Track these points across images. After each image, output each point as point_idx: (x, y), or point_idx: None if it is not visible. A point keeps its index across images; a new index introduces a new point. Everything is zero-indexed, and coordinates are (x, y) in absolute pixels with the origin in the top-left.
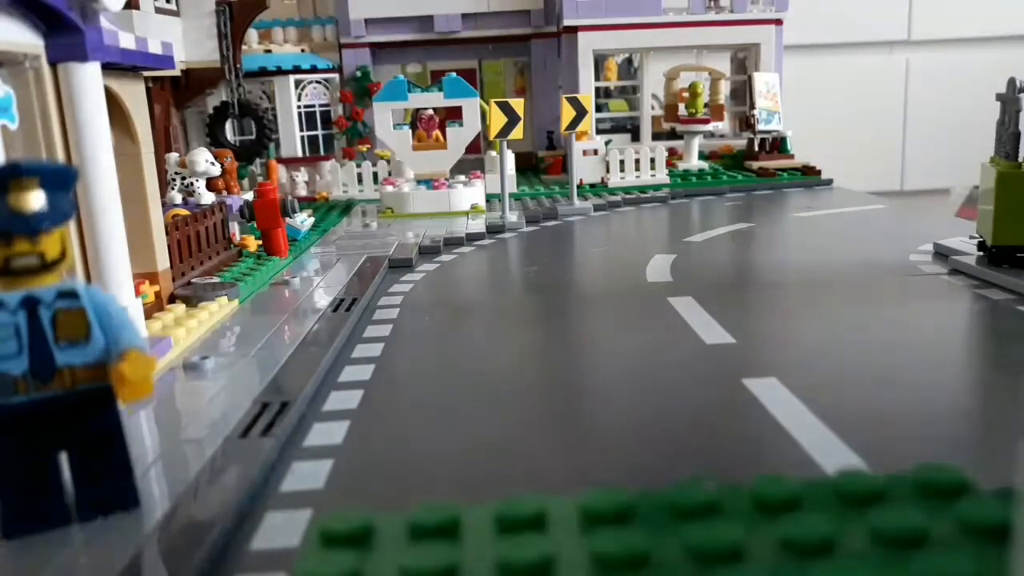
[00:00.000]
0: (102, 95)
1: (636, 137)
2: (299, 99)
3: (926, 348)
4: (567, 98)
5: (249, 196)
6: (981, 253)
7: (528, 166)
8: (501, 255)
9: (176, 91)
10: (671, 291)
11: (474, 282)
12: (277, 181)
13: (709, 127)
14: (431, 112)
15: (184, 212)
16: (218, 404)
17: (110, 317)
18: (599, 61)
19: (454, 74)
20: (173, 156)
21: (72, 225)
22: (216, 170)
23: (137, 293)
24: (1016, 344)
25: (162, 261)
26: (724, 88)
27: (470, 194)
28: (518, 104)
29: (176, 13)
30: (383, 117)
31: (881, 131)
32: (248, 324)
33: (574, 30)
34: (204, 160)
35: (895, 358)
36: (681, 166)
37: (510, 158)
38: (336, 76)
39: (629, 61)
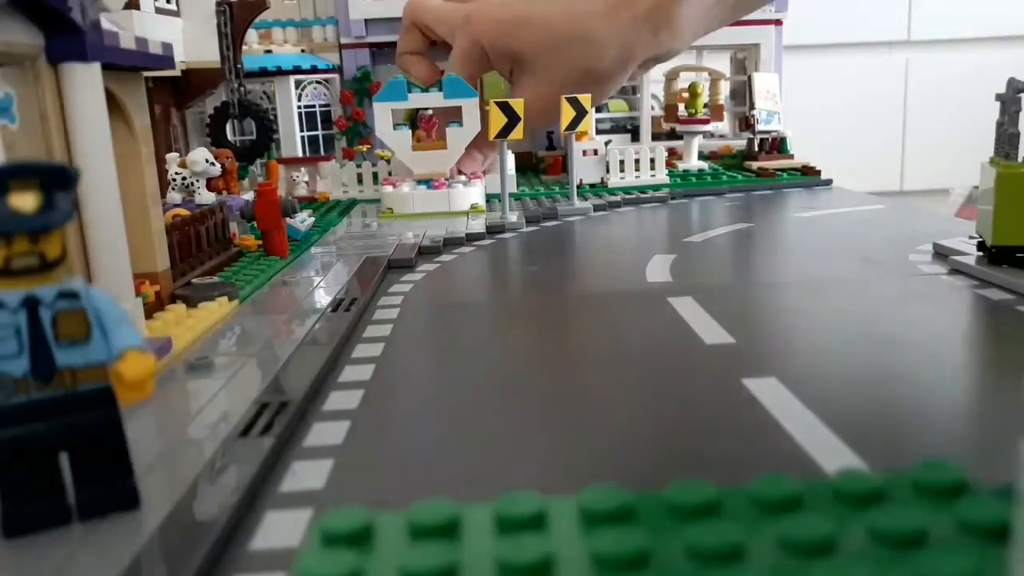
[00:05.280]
0: (102, 95)
1: (636, 137)
2: (299, 99)
3: (926, 348)
4: (567, 98)
5: (250, 196)
6: (981, 253)
7: (528, 166)
8: (501, 255)
9: (176, 91)
10: (671, 291)
11: (474, 282)
12: (277, 182)
13: (709, 127)
14: (430, 111)
15: (184, 212)
16: (218, 404)
17: (110, 317)
18: None
19: (454, 74)
20: (173, 156)
21: (72, 225)
22: (216, 170)
23: (137, 293)
24: (1016, 344)
25: (162, 261)
26: (724, 88)
27: (470, 194)
28: (518, 104)
29: (176, 13)
30: (383, 117)
31: (881, 131)
32: (248, 324)
33: None
34: (204, 160)
35: (895, 358)
36: (681, 166)
37: (510, 158)
38: (336, 76)
39: None
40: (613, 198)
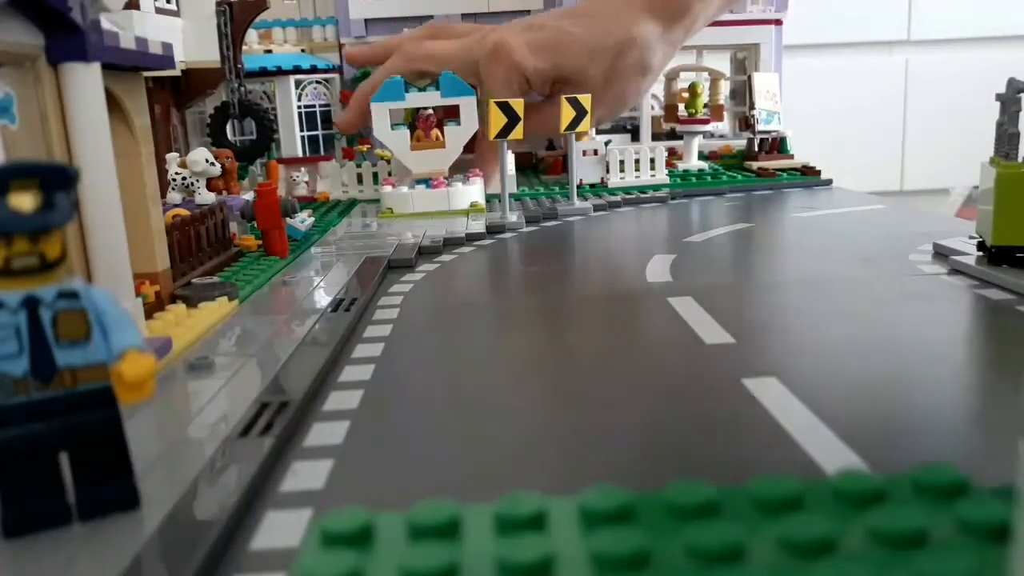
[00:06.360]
0: (102, 95)
1: (636, 137)
2: (299, 99)
3: (926, 348)
4: (567, 98)
5: (250, 196)
6: (981, 253)
7: (528, 166)
8: (501, 255)
9: (176, 91)
10: (671, 291)
11: (474, 282)
12: (277, 182)
13: (709, 127)
14: (429, 111)
15: (184, 212)
16: (218, 404)
17: (110, 317)
18: None
19: (451, 72)
20: (173, 156)
21: (72, 225)
22: (216, 170)
23: (137, 293)
24: (1016, 344)
25: (162, 261)
26: (724, 88)
27: (470, 193)
28: (518, 104)
29: (176, 13)
30: (381, 117)
31: (881, 131)
32: (248, 324)
33: None
34: (204, 160)
35: (895, 358)
36: (681, 166)
37: (510, 158)
38: (336, 76)
39: None
40: (613, 198)
